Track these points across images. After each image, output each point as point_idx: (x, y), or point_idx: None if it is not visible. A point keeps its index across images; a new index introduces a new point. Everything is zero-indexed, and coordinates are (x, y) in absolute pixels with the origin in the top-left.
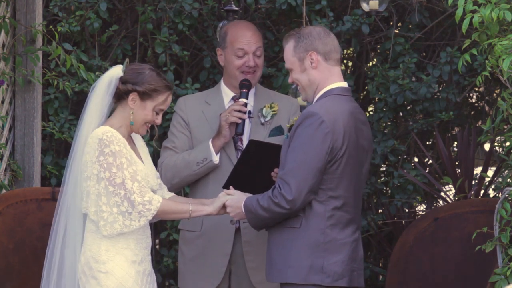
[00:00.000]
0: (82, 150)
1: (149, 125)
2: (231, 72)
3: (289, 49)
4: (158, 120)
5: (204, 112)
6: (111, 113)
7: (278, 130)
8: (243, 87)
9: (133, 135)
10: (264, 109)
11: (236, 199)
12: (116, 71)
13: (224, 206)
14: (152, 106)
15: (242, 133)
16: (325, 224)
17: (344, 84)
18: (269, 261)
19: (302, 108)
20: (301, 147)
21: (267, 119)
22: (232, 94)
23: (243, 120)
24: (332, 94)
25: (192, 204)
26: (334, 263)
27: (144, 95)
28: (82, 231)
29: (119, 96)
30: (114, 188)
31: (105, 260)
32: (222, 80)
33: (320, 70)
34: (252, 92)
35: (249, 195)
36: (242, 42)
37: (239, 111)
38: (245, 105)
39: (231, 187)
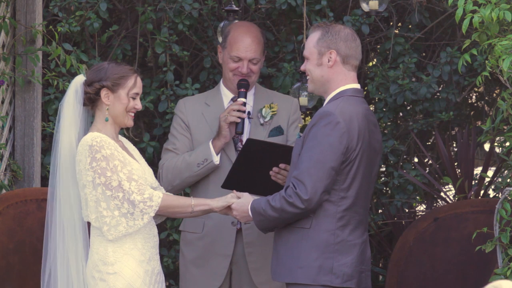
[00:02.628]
0: (68, 158)
1: (133, 114)
2: (226, 73)
3: (313, 39)
4: (138, 105)
5: (204, 114)
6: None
7: (277, 131)
8: (241, 87)
9: (122, 139)
10: (264, 110)
11: (242, 202)
12: (78, 78)
13: (229, 207)
14: (126, 93)
15: (242, 132)
16: (336, 225)
17: (357, 86)
18: (275, 260)
19: (303, 108)
20: (318, 146)
21: (266, 120)
22: (231, 95)
23: (243, 120)
24: (345, 95)
25: (194, 198)
26: (344, 264)
27: (114, 86)
28: (82, 240)
29: (92, 99)
30: (111, 191)
31: (113, 261)
32: (221, 82)
33: (335, 71)
34: (251, 92)
35: (256, 197)
36: (239, 49)
37: (238, 110)
38: (244, 104)
39: (245, 193)
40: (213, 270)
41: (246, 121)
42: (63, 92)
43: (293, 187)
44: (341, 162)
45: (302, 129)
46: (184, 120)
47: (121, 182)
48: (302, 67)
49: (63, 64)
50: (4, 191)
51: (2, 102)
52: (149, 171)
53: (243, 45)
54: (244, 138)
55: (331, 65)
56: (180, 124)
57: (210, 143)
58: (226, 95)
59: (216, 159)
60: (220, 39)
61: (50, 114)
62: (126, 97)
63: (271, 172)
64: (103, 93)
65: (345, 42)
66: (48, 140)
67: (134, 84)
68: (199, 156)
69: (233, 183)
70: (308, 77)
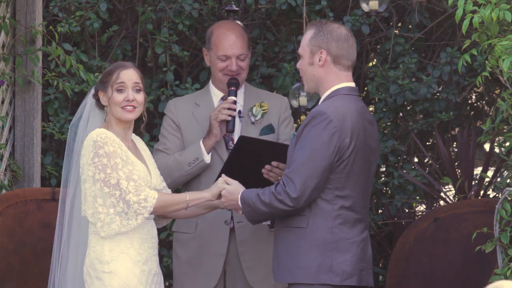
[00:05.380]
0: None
1: (128, 107)
2: (215, 74)
3: (307, 37)
4: (129, 96)
5: (194, 114)
6: None
7: (268, 129)
8: (231, 85)
9: (135, 138)
10: (254, 108)
11: (232, 190)
12: (92, 90)
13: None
14: (112, 87)
15: (232, 131)
16: (333, 223)
17: (352, 84)
18: (276, 262)
19: (302, 107)
20: (308, 145)
21: (257, 118)
22: (221, 94)
23: (233, 118)
24: (339, 93)
25: (189, 193)
26: (343, 262)
27: (103, 85)
28: (84, 234)
29: (100, 104)
30: (109, 189)
31: (109, 260)
32: (210, 81)
33: (326, 70)
34: (241, 91)
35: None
36: (225, 47)
37: (229, 108)
38: (234, 102)
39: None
40: (208, 270)
41: (237, 120)
42: (63, 92)
43: (283, 185)
44: (333, 161)
45: (297, 129)
46: (174, 120)
47: (119, 181)
48: (298, 65)
49: (63, 64)
50: (4, 191)
51: (2, 102)
52: (155, 172)
53: (228, 43)
54: (236, 136)
55: (321, 64)
56: (170, 125)
57: (201, 142)
58: (216, 94)
59: (207, 158)
60: None
61: (50, 114)
62: (112, 91)
63: (263, 170)
64: (100, 95)
65: (336, 42)
66: (48, 140)
67: (116, 77)
68: (190, 155)
69: None
70: (301, 75)
